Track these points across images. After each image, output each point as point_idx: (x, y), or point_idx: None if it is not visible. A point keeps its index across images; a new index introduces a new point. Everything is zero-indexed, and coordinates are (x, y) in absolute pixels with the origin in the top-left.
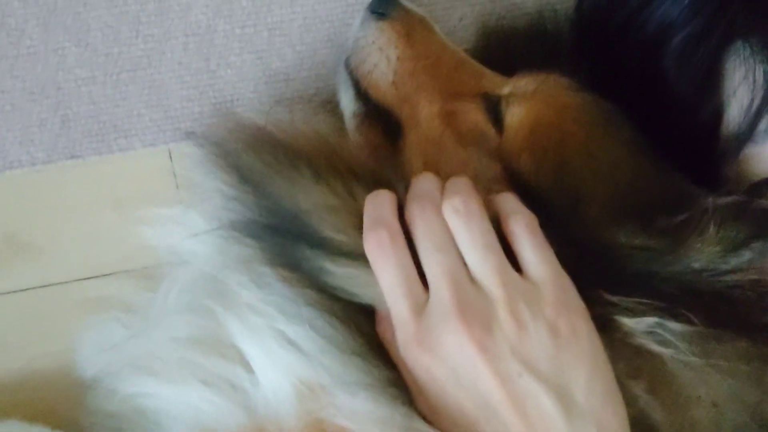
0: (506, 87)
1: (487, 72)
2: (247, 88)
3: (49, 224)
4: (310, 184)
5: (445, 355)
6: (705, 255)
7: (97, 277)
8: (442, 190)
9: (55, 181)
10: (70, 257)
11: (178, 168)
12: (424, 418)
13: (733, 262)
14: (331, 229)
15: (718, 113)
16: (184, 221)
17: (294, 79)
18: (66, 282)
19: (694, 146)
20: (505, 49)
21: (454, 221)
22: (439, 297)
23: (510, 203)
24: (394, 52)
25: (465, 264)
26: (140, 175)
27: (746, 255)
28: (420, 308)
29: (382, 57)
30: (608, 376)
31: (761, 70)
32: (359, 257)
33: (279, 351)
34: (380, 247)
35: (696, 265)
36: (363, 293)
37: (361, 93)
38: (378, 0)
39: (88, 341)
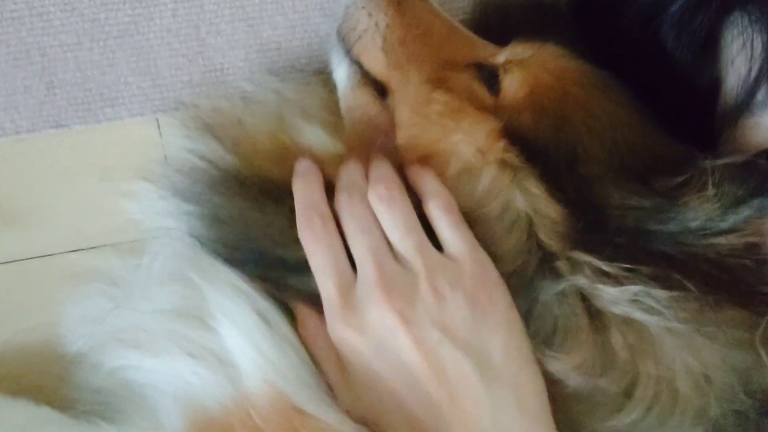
0: (501, 55)
1: (480, 41)
2: (237, 56)
3: (33, 195)
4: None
5: (369, 329)
6: (703, 213)
7: (82, 249)
8: (367, 178)
9: (39, 150)
10: (55, 229)
11: (166, 138)
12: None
13: (732, 219)
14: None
15: (716, 83)
16: (166, 196)
17: (286, 47)
18: (51, 254)
19: (691, 116)
20: (502, 20)
21: (378, 207)
22: (364, 274)
23: (430, 185)
24: (384, 18)
25: (389, 245)
26: (127, 145)
27: (744, 212)
28: (348, 288)
29: (371, 23)
30: (524, 344)
31: (759, 39)
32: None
33: (252, 328)
34: (312, 231)
35: (693, 224)
36: None
37: (353, 59)
38: None
39: (73, 314)
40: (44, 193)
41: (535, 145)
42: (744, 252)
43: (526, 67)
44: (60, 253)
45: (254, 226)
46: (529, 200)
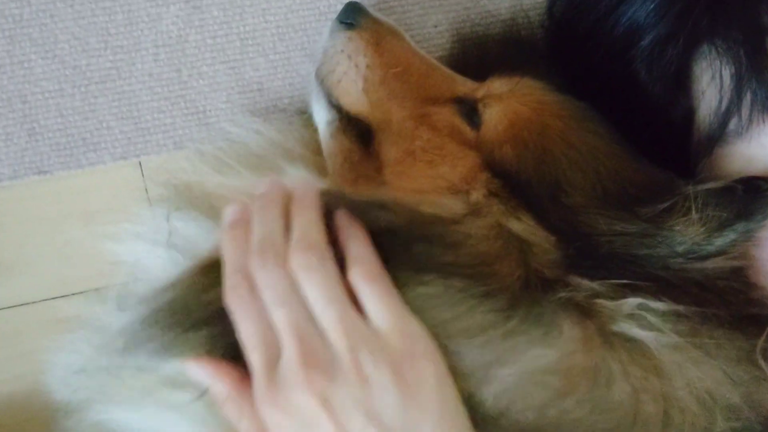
0: (480, 90)
1: (459, 77)
2: (219, 98)
3: (16, 242)
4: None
5: (292, 411)
6: (689, 237)
7: (66, 296)
8: (286, 226)
9: (22, 197)
10: (38, 276)
11: (149, 181)
12: None
13: (718, 242)
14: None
15: (689, 114)
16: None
17: (267, 88)
18: (35, 302)
19: (667, 147)
20: (479, 56)
21: (298, 273)
22: (286, 350)
23: (355, 249)
24: (363, 60)
25: (312, 317)
26: (110, 189)
27: (730, 236)
28: (274, 362)
29: (350, 65)
30: (458, 421)
31: (727, 71)
32: None
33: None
34: (238, 298)
35: (680, 248)
36: None
37: (333, 102)
38: (346, 10)
39: (58, 363)
40: (27, 240)
41: (518, 179)
42: (731, 275)
43: (504, 101)
44: (44, 300)
45: None
46: (520, 227)
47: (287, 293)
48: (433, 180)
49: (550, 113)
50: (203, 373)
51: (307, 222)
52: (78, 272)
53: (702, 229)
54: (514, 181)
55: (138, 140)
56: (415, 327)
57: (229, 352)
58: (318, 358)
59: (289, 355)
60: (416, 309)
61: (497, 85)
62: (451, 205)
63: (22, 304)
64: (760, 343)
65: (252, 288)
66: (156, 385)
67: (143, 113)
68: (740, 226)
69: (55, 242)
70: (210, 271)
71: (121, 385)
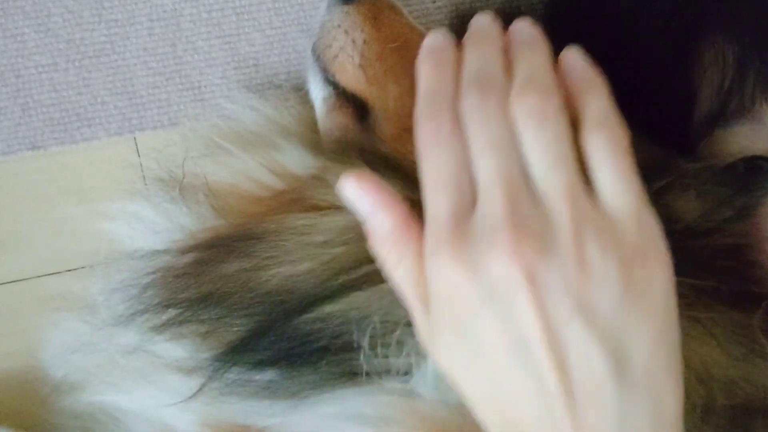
0: None
1: None
2: (215, 73)
3: (10, 218)
4: None
5: (480, 274)
6: (687, 214)
7: (60, 273)
8: (510, 72)
9: (15, 173)
10: (32, 252)
11: (144, 158)
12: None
13: (716, 219)
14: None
15: (690, 94)
16: (146, 218)
17: (263, 64)
18: (28, 278)
19: (667, 128)
20: None
21: (525, 121)
22: (488, 204)
23: (596, 107)
24: (360, 35)
25: (527, 176)
26: (105, 165)
27: (728, 212)
28: (465, 214)
29: (348, 40)
30: (676, 346)
31: (730, 50)
32: None
33: None
34: (436, 129)
35: (678, 226)
36: None
37: (329, 78)
38: None
39: (53, 341)
40: (21, 216)
41: None
42: (730, 252)
43: None
44: (37, 276)
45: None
46: None
47: (505, 140)
48: None
49: None
50: (365, 200)
51: (538, 64)
52: (72, 249)
53: (700, 207)
54: None
55: (133, 116)
56: (653, 221)
57: (225, 342)
58: (530, 224)
59: (493, 210)
60: None
61: None
62: None
63: (15, 281)
64: (757, 318)
65: (454, 123)
66: (150, 368)
67: (138, 88)
68: (739, 202)
69: (49, 218)
70: (209, 249)
71: (115, 367)
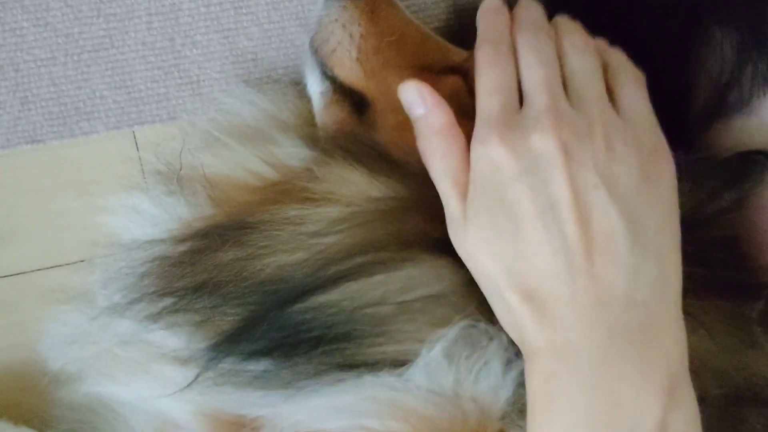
0: None
1: (455, 49)
2: (213, 67)
3: (9, 211)
4: None
5: (524, 150)
6: (681, 207)
7: (60, 266)
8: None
9: (14, 166)
10: (30, 245)
11: (142, 152)
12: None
13: (710, 211)
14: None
15: (688, 87)
16: (144, 211)
17: (262, 58)
18: (27, 271)
19: (666, 123)
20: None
21: (568, 50)
22: (534, 101)
23: (623, 59)
24: (357, 29)
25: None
26: (104, 159)
27: (720, 204)
28: (512, 110)
29: (345, 34)
30: (676, 232)
31: (729, 42)
32: None
33: None
34: (494, 52)
35: None
36: None
37: (327, 73)
38: None
39: (51, 333)
40: (20, 210)
41: None
42: (723, 244)
43: None
44: (36, 270)
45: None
46: None
47: (552, 60)
48: None
49: None
50: (423, 99)
51: (576, 25)
52: (71, 242)
53: (693, 198)
54: None
55: (131, 110)
56: (660, 130)
57: (219, 331)
58: (568, 115)
59: (539, 105)
60: None
61: None
62: None
63: (14, 274)
64: (752, 309)
65: (509, 51)
66: (146, 359)
67: (136, 82)
68: (731, 195)
69: (47, 212)
70: (204, 238)
71: (113, 358)
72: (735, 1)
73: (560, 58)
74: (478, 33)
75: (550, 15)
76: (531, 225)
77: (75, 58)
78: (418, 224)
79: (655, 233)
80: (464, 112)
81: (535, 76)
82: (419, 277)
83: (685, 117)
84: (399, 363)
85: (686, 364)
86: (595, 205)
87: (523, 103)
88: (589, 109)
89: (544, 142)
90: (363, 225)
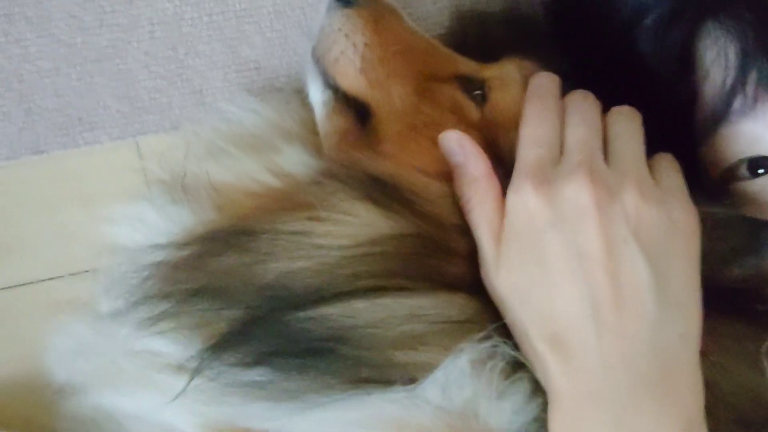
0: (487, 71)
1: (458, 57)
2: (216, 77)
3: (13, 222)
4: None
5: (557, 201)
6: (704, 262)
7: (64, 276)
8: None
9: (19, 177)
10: (36, 256)
11: (146, 161)
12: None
13: (725, 272)
14: None
15: (693, 95)
16: (148, 220)
17: (265, 67)
18: (32, 282)
19: (672, 130)
20: (480, 34)
21: (617, 118)
22: (571, 157)
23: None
24: (361, 39)
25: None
26: (108, 169)
27: (738, 268)
28: (550, 163)
29: (348, 44)
30: (698, 287)
31: (732, 49)
32: None
33: None
34: (543, 104)
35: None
36: None
37: (329, 82)
38: None
39: (57, 345)
40: (24, 221)
41: None
42: (741, 297)
43: (514, 88)
44: (41, 281)
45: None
46: None
47: (596, 121)
48: (434, 159)
49: None
50: (462, 149)
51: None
52: (75, 253)
53: (715, 256)
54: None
55: (135, 120)
56: (694, 211)
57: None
58: (603, 173)
59: (575, 159)
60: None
61: (508, 69)
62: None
63: (18, 285)
64: (766, 345)
65: (557, 106)
66: (150, 369)
67: (140, 92)
68: (754, 260)
69: (52, 223)
70: (207, 242)
71: (117, 370)
72: (739, 5)
73: (606, 124)
74: (528, 89)
75: (552, 28)
76: (560, 273)
77: (78, 68)
78: (431, 260)
79: (680, 288)
80: (467, 122)
81: (576, 133)
82: (429, 306)
83: (690, 123)
84: (410, 379)
85: (702, 409)
86: (625, 258)
87: (562, 158)
88: (624, 167)
89: (577, 194)
90: (372, 255)
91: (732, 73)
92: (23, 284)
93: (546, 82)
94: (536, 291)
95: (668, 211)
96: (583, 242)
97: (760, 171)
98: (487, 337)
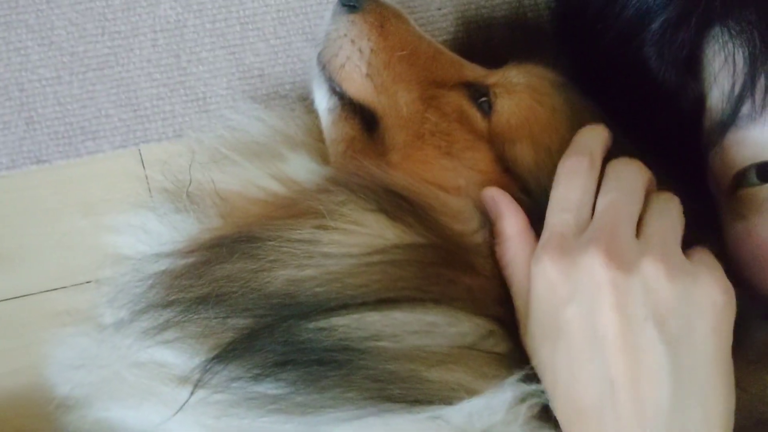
0: (492, 77)
1: (465, 62)
2: (219, 84)
3: (15, 233)
4: None
5: (574, 275)
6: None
7: (66, 287)
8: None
9: (20, 187)
10: (37, 267)
11: (149, 170)
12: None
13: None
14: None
15: (700, 100)
16: (152, 229)
17: (268, 74)
18: (34, 293)
19: (677, 136)
20: (485, 39)
21: (658, 197)
22: (594, 227)
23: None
24: (367, 44)
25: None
26: (110, 178)
27: None
28: (575, 231)
29: (354, 50)
30: (728, 358)
31: (740, 54)
32: None
33: None
34: (577, 165)
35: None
36: None
37: (335, 88)
38: None
39: (58, 357)
40: (26, 231)
41: (536, 185)
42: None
43: (518, 93)
44: (43, 291)
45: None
46: None
47: (634, 191)
48: (441, 169)
49: (570, 127)
50: (496, 206)
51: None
52: (78, 263)
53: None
54: (527, 186)
55: (137, 128)
56: (726, 286)
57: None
58: (624, 244)
59: (598, 228)
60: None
61: (513, 74)
62: (469, 216)
63: (21, 296)
64: None
65: (592, 167)
66: (155, 381)
67: (142, 100)
68: None
69: (54, 233)
70: (212, 249)
71: (121, 382)
72: (747, 9)
73: (646, 201)
74: (570, 144)
75: (558, 34)
76: (580, 351)
77: (80, 76)
78: (446, 274)
79: (704, 369)
80: (474, 133)
81: (605, 200)
82: (445, 323)
83: (697, 130)
84: (442, 399)
85: None
86: (642, 339)
87: (589, 225)
88: (652, 239)
89: (591, 268)
90: (383, 264)
91: (740, 79)
92: (24, 295)
93: (589, 138)
94: (560, 363)
95: (695, 286)
96: (599, 320)
97: None
98: (530, 378)
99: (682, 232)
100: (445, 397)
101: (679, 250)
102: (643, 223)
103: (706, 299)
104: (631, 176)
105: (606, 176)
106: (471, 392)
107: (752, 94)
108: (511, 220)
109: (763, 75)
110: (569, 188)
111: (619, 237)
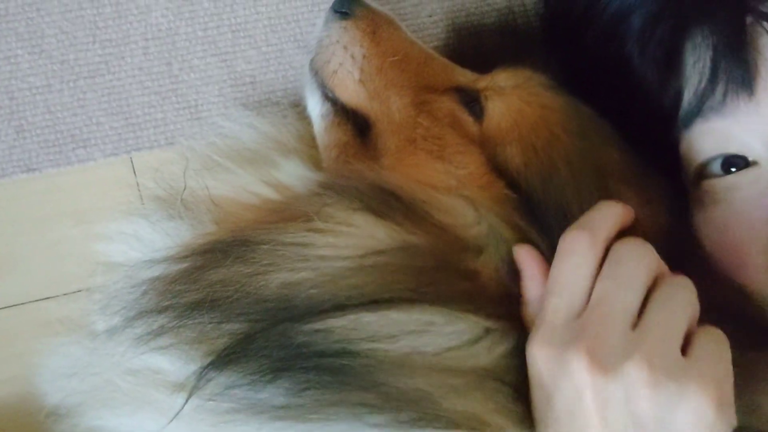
0: (482, 82)
1: (456, 67)
2: (211, 91)
3: (5, 242)
4: None
5: (559, 371)
6: None
7: (57, 296)
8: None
9: (10, 196)
10: (29, 276)
11: (140, 177)
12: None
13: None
14: None
15: (678, 98)
16: (144, 237)
17: (260, 81)
18: (25, 302)
19: (661, 131)
20: (475, 45)
21: (667, 281)
22: (586, 316)
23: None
24: (360, 50)
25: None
26: (101, 186)
27: None
28: (565, 316)
29: (346, 56)
30: None
31: (708, 54)
32: None
33: None
34: (577, 240)
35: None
36: None
37: (328, 94)
38: None
39: (50, 366)
40: (16, 240)
41: (526, 186)
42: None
43: (508, 96)
44: (34, 300)
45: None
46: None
47: (634, 279)
48: (433, 172)
49: (557, 123)
50: (523, 267)
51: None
52: (69, 272)
53: None
54: (518, 187)
55: (128, 136)
56: (723, 385)
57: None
58: (607, 346)
59: (587, 321)
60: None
61: (502, 77)
62: (462, 212)
63: (11, 306)
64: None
65: (593, 242)
66: (149, 388)
67: (133, 108)
68: None
69: (45, 242)
70: (206, 254)
71: (115, 389)
72: (713, 13)
73: (654, 287)
74: (579, 219)
75: (547, 37)
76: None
77: (71, 84)
78: (442, 274)
79: None
80: (466, 138)
81: (601, 289)
82: (443, 323)
83: (674, 127)
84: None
85: None
86: None
87: (583, 312)
88: (645, 335)
89: (573, 370)
90: (377, 266)
91: (706, 75)
92: (16, 305)
93: (597, 213)
94: None
95: (681, 398)
96: (580, 419)
97: (732, 169)
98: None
99: (691, 318)
100: (458, 424)
101: (677, 345)
102: (643, 313)
103: (692, 415)
104: (632, 262)
105: (607, 260)
106: (485, 424)
107: (713, 89)
108: (532, 286)
109: (723, 72)
110: (562, 269)
111: (607, 334)
